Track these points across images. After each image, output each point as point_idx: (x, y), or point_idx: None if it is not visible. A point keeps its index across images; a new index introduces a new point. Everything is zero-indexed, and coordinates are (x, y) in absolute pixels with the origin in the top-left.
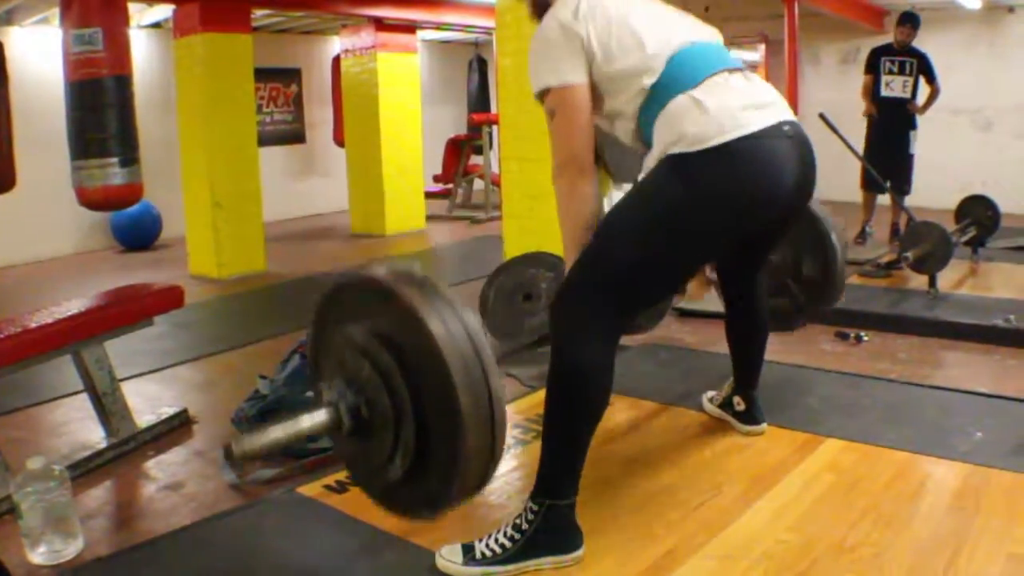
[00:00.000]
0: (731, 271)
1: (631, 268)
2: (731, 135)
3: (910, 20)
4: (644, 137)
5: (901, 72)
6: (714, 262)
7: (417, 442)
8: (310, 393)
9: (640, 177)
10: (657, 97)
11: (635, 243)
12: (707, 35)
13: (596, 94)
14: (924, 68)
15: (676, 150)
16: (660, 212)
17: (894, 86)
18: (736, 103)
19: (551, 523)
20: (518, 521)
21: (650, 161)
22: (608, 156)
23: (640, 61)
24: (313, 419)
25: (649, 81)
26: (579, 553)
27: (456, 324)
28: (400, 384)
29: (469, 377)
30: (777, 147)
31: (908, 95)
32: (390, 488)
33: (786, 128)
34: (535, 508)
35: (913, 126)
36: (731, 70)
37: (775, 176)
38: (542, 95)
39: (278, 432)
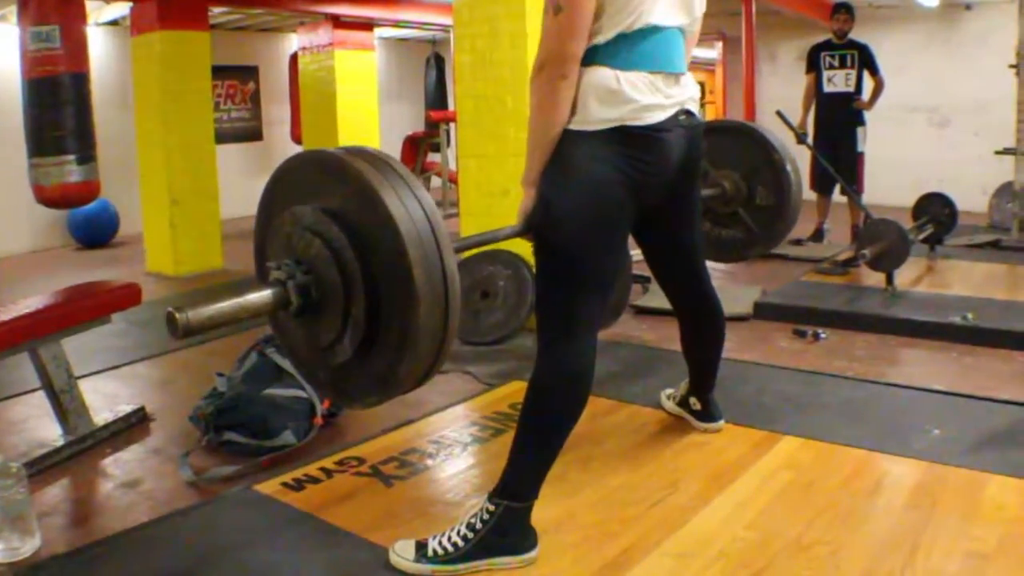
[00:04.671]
0: (668, 274)
1: (582, 254)
2: (626, 123)
3: (844, 7)
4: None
5: (842, 65)
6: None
7: (367, 319)
8: (268, 391)
9: None
10: (601, 50)
11: (573, 227)
12: (679, 18)
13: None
14: (866, 60)
15: (574, 127)
16: (576, 190)
17: (836, 80)
18: (647, 102)
19: (506, 524)
20: (472, 520)
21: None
22: None
23: (623, 7)
24: (260, 296)
25: (611, 33)
26: (533, 554)
27: (412, 200)
28: (351, 258)
29: (424, 251)
30: (667, 138)
31: (852, 89)
32: (339, 372)
33: (681, 118)
34: (491, 509)
35: (860, 122)
36: (667, 75)
37: (660, 163)
38: None
39: (223, 305)
